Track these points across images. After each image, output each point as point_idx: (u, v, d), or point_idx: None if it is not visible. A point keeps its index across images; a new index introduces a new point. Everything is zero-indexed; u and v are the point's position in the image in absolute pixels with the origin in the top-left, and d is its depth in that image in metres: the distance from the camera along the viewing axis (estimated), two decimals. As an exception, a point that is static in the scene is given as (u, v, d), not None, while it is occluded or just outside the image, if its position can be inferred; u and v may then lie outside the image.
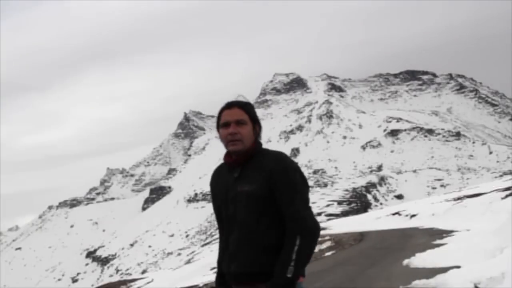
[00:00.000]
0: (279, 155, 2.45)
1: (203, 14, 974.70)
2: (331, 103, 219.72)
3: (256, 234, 2.39)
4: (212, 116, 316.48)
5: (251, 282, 2.41)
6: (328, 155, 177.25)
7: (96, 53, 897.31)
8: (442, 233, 14.40)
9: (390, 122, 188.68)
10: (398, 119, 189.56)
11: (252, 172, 2.41)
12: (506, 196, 18.33)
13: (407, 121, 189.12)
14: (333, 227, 34.79)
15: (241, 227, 2.41)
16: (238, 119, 2.45)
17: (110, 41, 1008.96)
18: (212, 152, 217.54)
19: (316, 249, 18.91)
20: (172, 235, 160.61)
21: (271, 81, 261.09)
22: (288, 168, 2.41)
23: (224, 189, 2.48)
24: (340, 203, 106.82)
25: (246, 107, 2.51)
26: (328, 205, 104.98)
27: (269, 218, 2.39)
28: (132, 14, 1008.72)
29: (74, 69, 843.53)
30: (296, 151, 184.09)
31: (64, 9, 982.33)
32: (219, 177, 2.57)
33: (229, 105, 2.52)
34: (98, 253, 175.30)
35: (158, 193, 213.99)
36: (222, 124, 2.51)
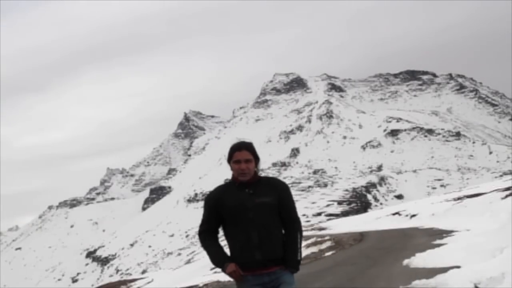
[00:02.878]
0: (280, 179, 3.74)
1: (203, 14, 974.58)
2: (331, 103, 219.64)
3: (274, 232, 3.55)
4: (212, 116, 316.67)
5: (270, 266, 3.52)
6: (328, 155, 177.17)
7: (95, 53, 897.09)
8: (442, 233, 14.40)
9: (390, 122, 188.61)
10: (398, 119, 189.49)
11: (265, 190, 3.57)
12: (506, 196, 18.32)
13: (407, 121, 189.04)
14: (333, 227, 34.80)
15: (262, 227, 3.50)
16: (246, 158, 3.59)
17: (109, 41, 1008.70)
18: (212, 152, 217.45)
19: (316, 249, 18.91)
20: (172, 235, 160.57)
21: (271, 81, 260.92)
22: (288, 188, 3.71)
23: (241, 202, 3.53)
24: (340, 203, 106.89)
25: (250, 149, 3.65)
26: (328, 205, 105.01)
27: (278, 220, 3.58)
28: (131, 15, 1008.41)
29: (74, 70, 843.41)
30: (296, 151, 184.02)
31: (63, 10, 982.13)
32: (231, 193, 3.59)
33: (240, 148, 3.62)
34: (98, 253, 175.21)
35: (158, 193, 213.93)
36: (234, 161, 3.60)
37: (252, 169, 3.61)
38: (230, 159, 3.63)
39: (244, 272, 3.52)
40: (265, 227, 3.51)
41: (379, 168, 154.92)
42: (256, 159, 3.66)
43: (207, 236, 3.65)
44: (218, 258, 3.57)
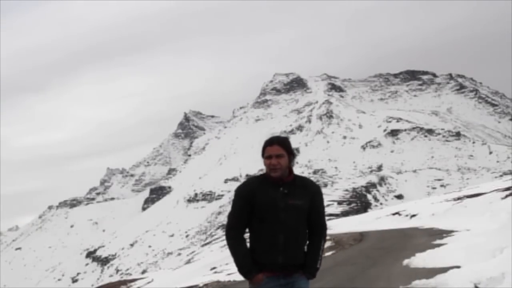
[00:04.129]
0: (313, 181, 3.62)
1: (203, 14, 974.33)
2: (331, 103, 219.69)
3: (300, 236, 3.44)
4: (212, 116, 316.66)
5: (290, 271, 3.43)
6: (328, 155, 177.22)
7: (95, 53, 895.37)
8: (442, 233, 14.40)
9: (390, 122, 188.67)
10: (398, 119, 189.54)
11: (299, 191, 3.43)
12: (506, 196, 18.33)
13: (407, 121, 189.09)
14: (333, 227, 34.79)
15: (290, 230, 3.37)
16: (277, 153, 3.44)
17: (108, 41, 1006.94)
18: (212, 152, 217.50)
19: (316, 249, 18.89)
20: (172, 235, 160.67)
21: (271, 81, 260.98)
22: (321, 192, 3.56)
23: (273, 200, 3.37)
24: (340, 203, 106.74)
25: (283, 144, 3.51)
26: (328, 205, 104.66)
27: (305, 224, 3.48)
28: (131, 15, 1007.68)
29: (74, 70, 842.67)
30: (296, 151, 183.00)
31: (62, 10, 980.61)
32: (264, 189, 3.42)
33: (271, 143, 3.47)
34: (98, 253, 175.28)
35: (158, 193, 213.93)
36: (266, 156, 3.46)
37: (284, 165, 3.46)
38: (262, 154, 3.49)
39: (262, 272, 3.41)
40: (293, 231, 3.39)
41: (379, 168, 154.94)
42: (291, 154, 3.53)
43: (236, 235, 3.45)
44: (245, 266, 3.40)
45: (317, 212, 3.50)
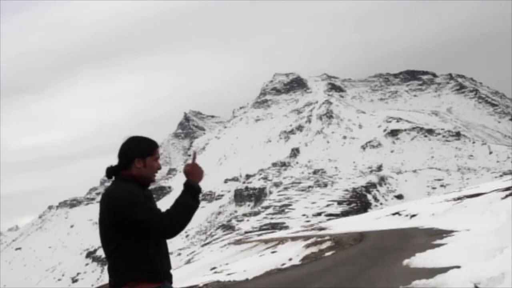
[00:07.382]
0: None
1: (202, 14, 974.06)
2: (331, 103, 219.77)
3: None
4: (212, 116, 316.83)
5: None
6: (328, 155, 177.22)
7: (93, 54, 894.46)
8: (442, 233, 14.41)
9: (390, 122, 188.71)
10: (398, 119, 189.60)
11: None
12: (506, 196, 18.34)
13: (407, 121, 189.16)
14: (333, 227, 34.86)
15: None
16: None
17: (107, 42, 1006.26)
18: (212, 152, 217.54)
19: (316, 249, 18.91)
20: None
21: (271, 81, 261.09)
22: None
23: None
24: (340, 203, 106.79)
25: None
26: (328, 205, 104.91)
27: None
28: (130, 15, 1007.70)
29: (73, 70, 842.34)
30: (296, 151, 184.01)
31: (60, 10, 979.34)
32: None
33: (157, 145, 2.96)
34: (98, 253, 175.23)
35: (158, 193, 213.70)
36: (156, 157, 2.91)
37: None
38: (147, 154, 2.88)
39: (166, 281, 2.84)
40: None
41: (379, 168, 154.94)
42: None
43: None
44: (193, 194, 2.77)
45: None
